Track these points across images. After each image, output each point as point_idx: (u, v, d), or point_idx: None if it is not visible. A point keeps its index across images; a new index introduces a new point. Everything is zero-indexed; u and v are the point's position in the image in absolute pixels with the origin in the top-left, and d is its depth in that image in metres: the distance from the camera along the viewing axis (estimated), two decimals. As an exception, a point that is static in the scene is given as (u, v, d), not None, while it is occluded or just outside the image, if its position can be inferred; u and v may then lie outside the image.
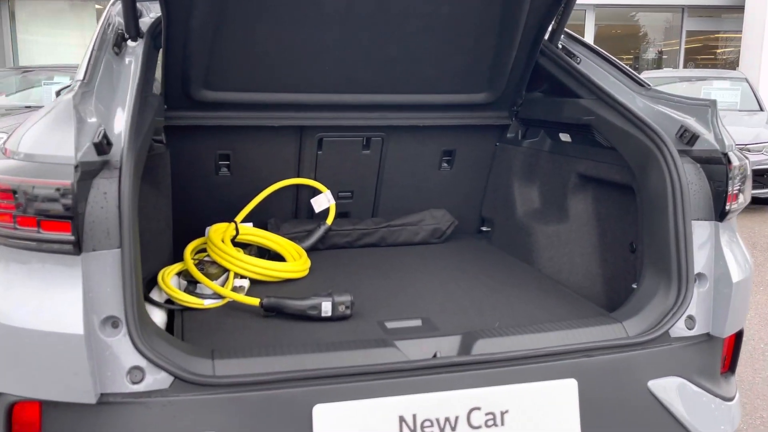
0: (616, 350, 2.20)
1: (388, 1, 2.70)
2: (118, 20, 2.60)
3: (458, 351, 2.16)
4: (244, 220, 3.26)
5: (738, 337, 2.50)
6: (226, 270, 2.80)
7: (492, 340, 2.16)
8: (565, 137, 3.13)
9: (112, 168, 1.89)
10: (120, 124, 2.02)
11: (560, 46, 3.06)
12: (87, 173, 1.82)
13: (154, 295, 2.53)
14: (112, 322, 1.84)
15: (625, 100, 2.65)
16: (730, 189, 2.32)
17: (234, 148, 3.21)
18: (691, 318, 2.32)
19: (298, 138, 3.27)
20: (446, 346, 2.16)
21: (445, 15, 2.81)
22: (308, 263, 3.01)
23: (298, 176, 3.37)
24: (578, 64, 2.97)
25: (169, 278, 2.61)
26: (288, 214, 3.46)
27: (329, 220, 3.32)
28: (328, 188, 3.39)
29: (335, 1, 2.65)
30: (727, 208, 2.33)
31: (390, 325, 2.41)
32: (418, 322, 2.44)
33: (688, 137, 2.39)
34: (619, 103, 2.64)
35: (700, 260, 2.34)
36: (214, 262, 2.84)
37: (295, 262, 2.93)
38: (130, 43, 2.54)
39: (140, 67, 2.34)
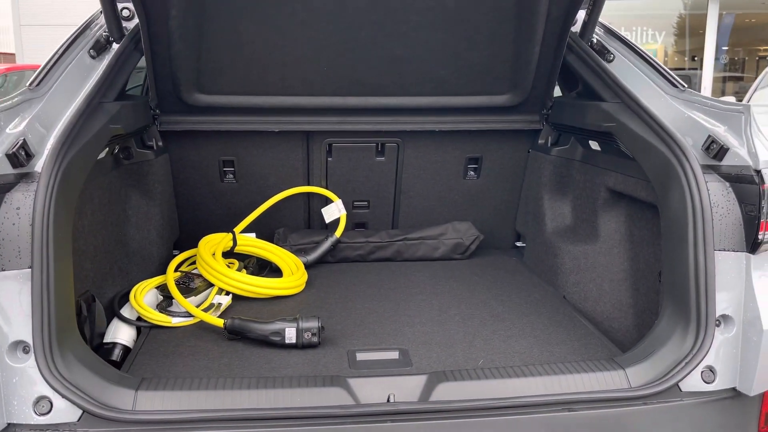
0: (608, 404, 1.85)
1: None
2: (102, 24, 2.50)
3: (418, 395, 1.87)
4: (251, 229, 3.10)
5: None
6: (211, 284, 2.65)
7: (456, 384, 1.87)
8: (594, 145, 2.75)
9: (31, 181, 1.77)
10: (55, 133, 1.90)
11: (594, 41, 2.68)
12: None
13: (127, 310, 2.42)
14: (23, 347, 1.72)
15: (650, 105, 2.26)
16: (764, 214, 1.89)
17: (238, 154, 3.05)
18: (710, 369, 1.91)
19: (304, 144, 3.07)
20: (406, 388, 1.89)
21: (451, 8, 2.51)
22: (303, 279, 2.80)
23: (308, 184, 3.17)
24: (610, 62, 2.58)
25: (144, 293, 2.49)
26: (300, 223, 3.27)
27: (338, 232, 3.10)
28: (342, 197, 3.17)
29: None
30: (761, 237, 1.90)
31: (360, 356, 2.16)
32: (393, 355, 2.18)
33: (715, 150, 1.97)
34: (642, 107, 2.25)
35: (724, 300, 1.92)
36: (200, 275, 2.69)
37: (287, 279, 2.74)
38: (114, 46, 2.44)
39: (102, 72, 2.23)
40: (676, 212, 2.03)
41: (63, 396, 1.69)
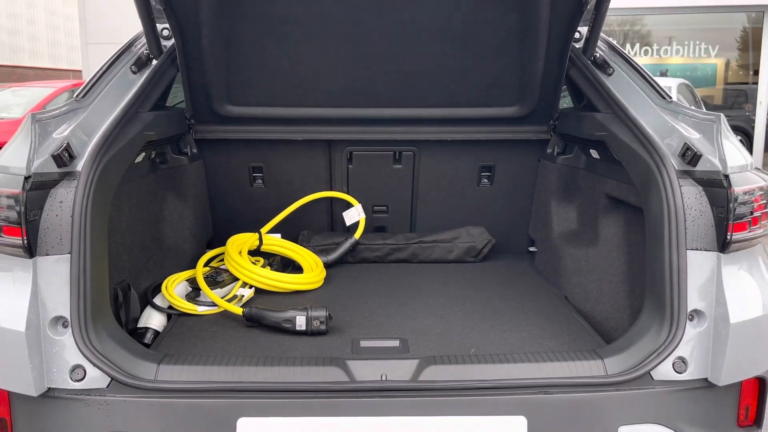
0: (582, 389, 2.00)
1: (393, 15, 2.68)
2: (144, 42, 2.80)
3: (410, 376, 2.07)
4: (278, 230, 3.35)
5: (762, 384, 2.17)
6: (236, 279, 2.91)
7: (444, 367, 2.05)
8: (595, 154, 2.90)
9: (73, 179, 2.05)
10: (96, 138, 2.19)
11: (597, 55, 2.84)
12: (42, 183, 1.99)
13: (159, 299, 2.69)
14: (62, 322, 1.99)
15: (639, 115, 2.42)
16: (732, 216, 2.02)
17: (266, 160, 3.32)
18: (682, 360, 2.05)
19: (327, 152, 3.32)
20: (399, 370, 2.08)
21: (458, 27, 2.73)
22: (321, 276, 3.03)
23: (331, 189, 3.41)
24: (610, 75, 2.74)
25: (175, 284, 2.76)
26: (323, 226, 3.51)
27: (357, 234, 3.33)
28: (362, 202, 3.40)
29: (339, 17, 2.67)
30: (730, 237, 2.04)
31: (364, 343, 2.37)
32: (394, 343, 2.38)
33: (690, 156, 2.12)
34: (630, 117, 2.41)
35: (697, 296, 2.06)
36: (227, 270, 2.95)
37: (306, 275, 2.97)
38: (154, 62, 2.73)
39: (139, 86, 2.51)
40: (654, 214, 2.18)
41: (95, 365, 1.95)
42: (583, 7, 2.64)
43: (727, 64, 14.57)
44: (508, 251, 3.56)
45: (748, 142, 13.97)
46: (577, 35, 2.93)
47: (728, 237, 2.03)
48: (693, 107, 2.28)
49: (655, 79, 2.59)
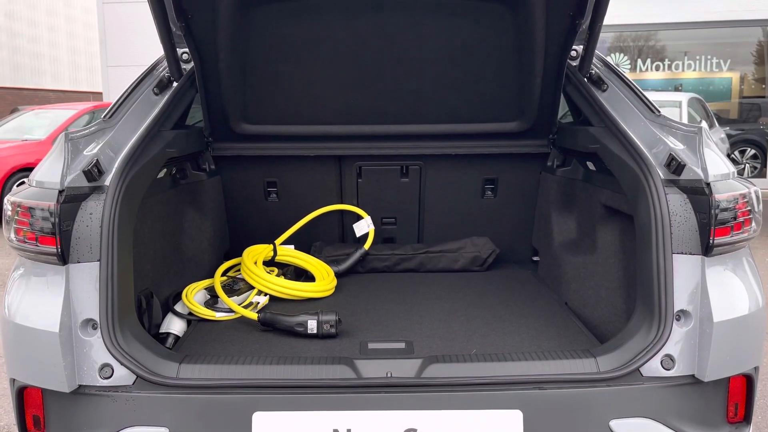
0: (574, 384, 2.13)
1: (397, 38, 2.86)
2: (165, 66, 2.99)
3: (413, 374, 2.21)
4: (291, 241, 3.52)
5: (749, 381, 2.28)
6: (251, 287, 3.07)
7: (446, 365, 2.19)
8: (591, 166, 3.04)
9: (101, 192, 2.23)
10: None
11: (593, 72, 2.99)
12: (74, 196, 2.17)
13: (180, 306, 2.85)
14: (92, 324, 2.16)
15: (629, 128, 2.56)
16: (714, 221, 2.16)
17: (280, 176, 3.50)
18: (669, 357, 2.17)
19: (337, 167, 3.49)
20: (403, 368, 2.23)
21: (458, 48, 2.90)
22: (332, 284, 3.19)
23: (342, 203, 3.58)
24: (605, 91, 2.89)
25: (194, 292, 2.92)
26: (334, 237, 3.67)
27: (367, 245, 3.48)
28: (371, 214, 3.56)
29: (347, 40, 2.86)
30: (713, 241, 2.17)
31: (371, 345, 2.52)
32: (400, 345, 2.52)
33: (674, 166, 2.26)
34: (620, 130, 2.56)
35: (683, 297, 2.19)
36: (243, 280, 3.12)
37: (318, 284, 3.13)
38: (174, 84, 2.92)
39: (161, 106, 2.70)
40: (643, 221, 2.32)
41: (122, 364, 2.11)
42: (577, 27, 2.79)
43: (742, 78, 14.64)
44: (512, 261, 3.70)
45: (762, 155, 14.01)
46: (573, 53, 3.08)
47: (711, 241, 2.16)
48: (680, 121, 2.42)
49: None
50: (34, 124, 12.14)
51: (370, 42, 2.88)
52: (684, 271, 2.20)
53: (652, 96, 10.83)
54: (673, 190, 2.26)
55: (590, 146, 2.77)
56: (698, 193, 2.20)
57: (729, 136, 12.84)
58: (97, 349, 2.14)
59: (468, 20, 2.81)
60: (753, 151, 14.16)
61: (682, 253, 2.21)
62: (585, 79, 2.95)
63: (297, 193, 3.55)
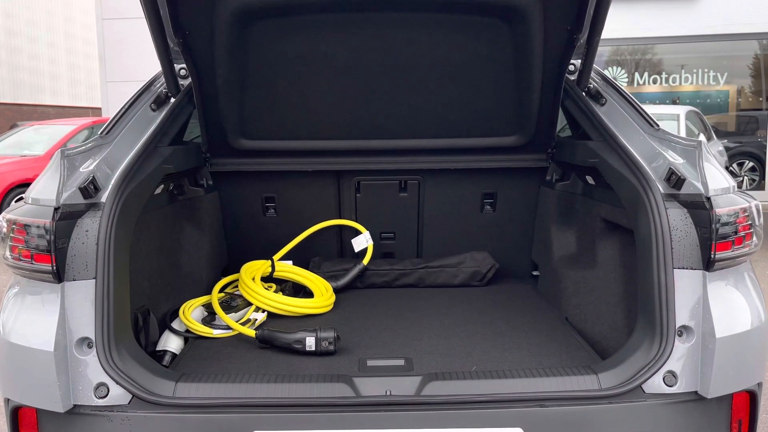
0: (576, 402, 2.11)
1: (395, 53, 2.86)
2: (163, 81, 2.99)
3: (413, 392, 2.18)
4: (290, 257, 3.50)
5: (753, 398, 2.26)
6: (249, 303, 3.05)
7: (445, 383, 2.17)
8: (590, 180, 3.03)
9: (98, 209, 2.21)
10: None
11: (591, 86, 2.99)
12: (70, 214, 2.15)
13: (177, 323, 2.83)
14: (87, 342, 2.13)
15: (628, 142, 2.56)
16: (715, 236, 2.14)
17: (278, 191, 3.48)
18: (672, 374, 2.15)
19: (336, 182, 3.48)
20: (402, 386, 2.20)
21: (456, 63, 2.90)
22: (331, 300, 3.17)
23: (340, 217, 3.56)
24: (603, 105, 2.89)
25: (192, 309, 2.90)
26: (333, 253, 3.65)
27: (365, 260, 3.46)
28: (370, 229, 3.54)
29: (345, 56, 2.85)
30: (714, 256, 2.15)
31: (370, 362, 2.49)
32: (399, 362, 2.50)
33: (674, 180, 2.25)
34: (619, 144, 2.55)
35: (684, 312, 2.17)
36: (241, 296, 3.10)
37: (316, 300, 3.11)
38: (172, 100, 2.92)
39: (159, 122, 2.69)
40: (643, 235, 2.30)
41: (118, 383, 2.09)
42: (574, 41, 2.79)
43: (739, 91, 14.70)
44: (512, 275, 3.68)
45: (760, 168, 14.03)
46: (571, 68, 3.08)
47: (712, 256, 2.15)
48: (679, 135, 2.41)
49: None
50: (33, 139, 12.16)
51: (368, 57, 2.88)
52: (685, 286, 2.18)
53: (649, 109, 10.90)
54: (673, 205, 2.25)
55: (589, 160, 2.76)
56: (699, 208, 2.19)
57: (727, 148, 12.87)
58: (93, 368, 2.11)
59: (466, 35, 2.81)
60: (751, 164, 14.20)
61: (683, 268, 2.19)
62: (583, 94, 2.95)
63: (295, 208, 3.53)
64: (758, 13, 12.81)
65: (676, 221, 2.22)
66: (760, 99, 14.62)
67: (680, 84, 14.47)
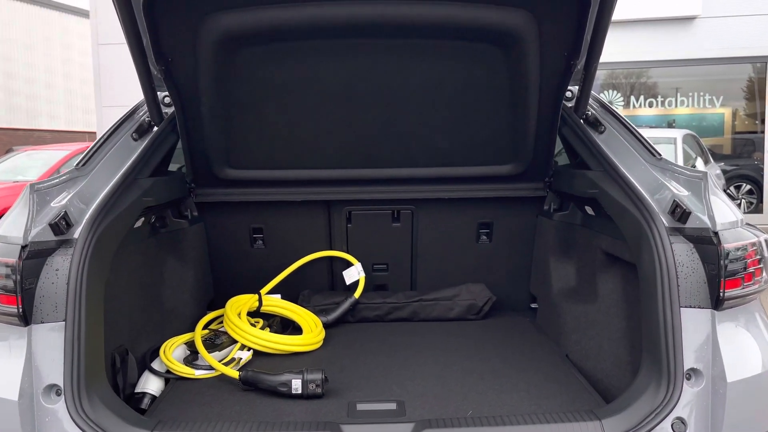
0: None
1: (386, 80, 2.76)
2: (146, 110, 2.88)
3: None
4: (278, 290, 3.36)
5: None
6: (235, 341, 2.91)
7: (439, 431, 2.03)
8: (590, 210, 2.92)
9: (70, 246, 2.08)
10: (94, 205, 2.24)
11: (589, 113, 2.89)
12: (39, 252, 2.03)
13: (157, 363, 2.69)
14: (56, 390, 1.99)
15: (629, 172, 2.45)
16: (723, 273, 2.02)
17: (266, 222, 3.36)
18: (681, 421, 2.01)
19: (326, 212, 3.36)
20: None
21: (449, 89, 2.80)
22: (320, 337, 3.03)
23: (331, 248, 3.43)
24: (602, 133, 2.78)
25: (173, 348, 2.76)
26: (324, 285, 3.52)
27: (357, 293, 3.33)
28: (362, 260, 3.41)
29: (334, 83, 2.75)
30: (723, 294, 2.03)
31: (360, 406, 2.35)
32: (391, 406, 2.36)
33: (679, 213, 2.13)
34: (620, 175, 2.44)
35: (692, 354, 2.04)
36: (226, 333, 2.96)
37: (304, 336, 2.97)
38: (155, 129, 2.81)
39: (140, 152, 2.58)
40: (647, 271, 2.18)
41: None
42: (572, 68, 2.69)
43: (734, 114, 14.67)
44: (509, 308, 3.54)
45: (758, 191, 13.96)
46: (569, 94, 2.99)
47: (721, 294, 2.03)
48: (683, 165, 2.30)
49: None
50: (27, 164, 12.05)
51: (359, 84, 2.78)
52: (693, 327, 2.05)
53: (646, 133, 10.82)
54: (678, 239, 2.13)
55: (588, 191, 2.64)
56: (705, 243, 2.07)
57: (724, 171, 12.81)
58: (61, 418, 1.97)
59: (459, 62, 2.71)
60: (748, 187, 14.14)
61: (690, 307, 2.06)
62: (581, 121, 2.85)
63: (284, 239, 3.40)
64: (752, 38, 12.83)
65: (682, 257, 2.10)
66: (756, 122, 14.60)
67: (676, 107, 14.45)
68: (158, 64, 2.60)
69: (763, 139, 14.02)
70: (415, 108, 2.89)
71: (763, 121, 14.14)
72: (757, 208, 13.92)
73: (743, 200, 14.05)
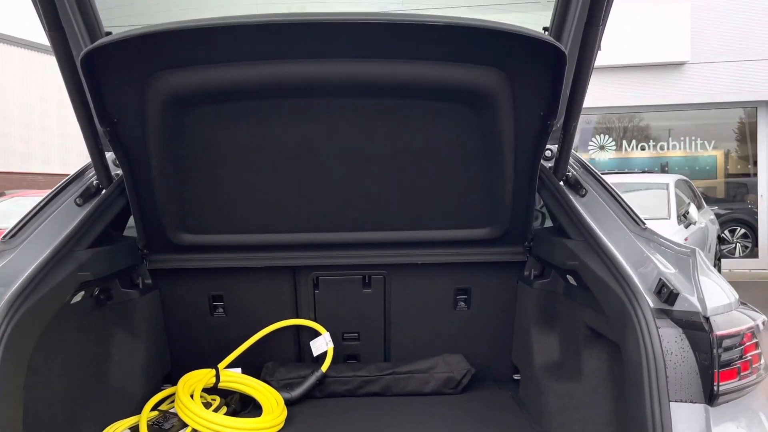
0: None
1: (350, 140, 2.58)
2: (92, 173, 2.67)
3: None
4: (240, 363, 3.11)
5: None
6: (185, 424, 2.65)
7: None
8: (571, 280, 2.70)
9: None
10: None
11: (570, 175, 2.70)
12: None
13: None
14: None
15: (612, 242, 2.23)
16: (717, 363, 1.79)
17: (227, 289, 3.13)
18: None
19: (291, 278, 3.13)
20: None
21: (418, 149, 2.61)
22: (281, 418, 2.76)
23: (297, 317, 3.19)
24: (583, 196, 2.59)
25: (116, 434, 2.51)
26: (290, 356, 3.27)
27: (324, 367, 3.08)
28: (331, 329, 3.17)
29: (294, 143, 2.57)
30: (717, 388, 1.79)
31: None
32: None
33: (666, 294, 1.91)
34: (602, 247, 2.22)
35: None
36: (176, 415, 2.70)
37: (263, 418, 2.71)
38: (103, 193, 2.61)
39: (80, 220, 2.37)
40: (632, 358, 1.95)
41: None
42: (549, 128, 2.51)
43: (727, 155, 14.60)
44: (491, 379, 3.29)
45: (752, 234, 13.77)
46: (548, 153, 2.80)
47: (715, 387, 1.79)
48: (669, 240, 2.10)
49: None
50: (13, 211, 11.83)
51: (321, 145, 2.59)
52: (685, 424, 1.81)
53: (638, 178, 10.69)
54: (665, 323, 1.91)
55: (568, 263, 2.43)
56: (696, 329, 1.84)
57: (718, 215, 12.66)
58: None
59: (429, 122, 2.53)
60: (743, 230, 13.98)
61: (681, 401, 1.83)
62: (561, 183, 2.65)
63: (246, 307, 3.16)
64: (741, 82, 12.81)
65: (671, 343, 1.87)
66: (749, 165, 14.52)
67: (668, 150, 14.37)
68: (102, 125, 2.41)
69: (755, 182, 13.91)
70: (383, 169, 2.69)
71: (755, 164, 14.05)
72: (753, 252, 13.73)
73: (738, 244, 13.88)
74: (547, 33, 2.50)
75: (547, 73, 2.30)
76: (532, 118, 2.49)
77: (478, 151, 2.62)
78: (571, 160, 2.75)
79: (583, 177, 2.68)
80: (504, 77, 2.35)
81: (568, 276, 2.71)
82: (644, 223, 2.27)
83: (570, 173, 2.70)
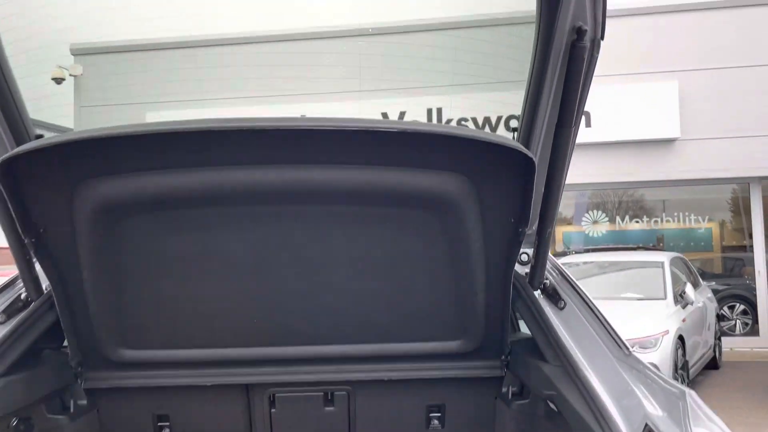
0: None
1: (304, 248, 2.35)
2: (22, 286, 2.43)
3: None
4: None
5: None
6: None
7: None
8: (552, 405, 2.41)
9: None
10: None
11: (548, 283, 2.46)
12: None
13: None
14: None
15: (594, 370, 1.96)
16: None
17: (173, 409, 2.83)
18: None
19: (245, 396, 2.84)
20: None
21: (380, 258, 2.38)
22: None
23: None
24: (561, 309, 2.34)
25: None
26: (246, 483, 2.94)
27: (281, 498, 2.75)
28: None
29: (241, 253, 2.34)
30: None
31: None
32: None
33: None
34: (580, 377, 1.95)
35: None
36: None
37: None
38: (32, 306, 2.37)
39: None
40: None
41: None
42: (520, 235, 2.28)
43: (722, 227, 14.43)
44: None
45: (752, 311, 13.43)
46: (524, 257, 2.57)
47: None
48: (656, 373, 1.83)
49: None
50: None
51: (272, 254, 2.36)
52: None
53: (632, 256, 10.40)
54: None
55: (545, 392, 2.16)
56: None
57: (715, 291, 12.39)
58: None
59: (388, 229, 2.31)
60: (742, 307, 13.66)
61: None
62: (536, 294, 2.40)
63: (196, 429, 2.85)
64: (731, 159, 12.78)
65: None
66: (744, 240, 14.34)
67: (663, 223, 14.22)
68: (26, 237, 2.17)
69: (752, 257, 13.68)
70: (342, 278, 2.45)
71: (750, 236, 13.86)
72: (753, 330, 13.35)
73: (738, 321, 13.52)
74: (515, 134, 2.31)
75: (515, 179, 2.09)
76: (502, 225, 2.27)
77: (444, 259, 2.38)
78: (549, 265, 2.51)
79: (561, 285, 2.44)
80: (469, 183, 2.15)
81: (547, 400, 2.43)
82: (629, 349, 2.01)
83: (547, 281, 2.46)
